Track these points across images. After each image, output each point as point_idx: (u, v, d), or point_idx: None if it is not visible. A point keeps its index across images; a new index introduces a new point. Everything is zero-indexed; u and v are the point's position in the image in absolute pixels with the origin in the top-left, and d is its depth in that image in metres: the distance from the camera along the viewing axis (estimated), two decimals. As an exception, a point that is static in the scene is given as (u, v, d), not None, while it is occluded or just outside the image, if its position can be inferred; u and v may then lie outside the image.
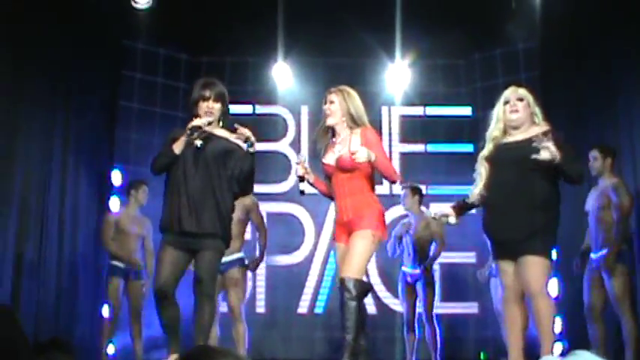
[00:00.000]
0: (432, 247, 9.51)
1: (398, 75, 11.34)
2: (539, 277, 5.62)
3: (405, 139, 11.54)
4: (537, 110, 6.00)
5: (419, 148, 11.34)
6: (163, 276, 6.09)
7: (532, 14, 10.34)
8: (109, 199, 10.09)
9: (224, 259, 8.34)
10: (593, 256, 8.38)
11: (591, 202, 8.44)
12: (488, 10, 10.60)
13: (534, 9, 10.29)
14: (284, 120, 11.61)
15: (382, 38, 10.90)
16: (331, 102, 6.38)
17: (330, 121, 6.39)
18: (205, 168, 6.18)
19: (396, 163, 11.37)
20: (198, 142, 6.18)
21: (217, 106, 6.32)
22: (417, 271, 9.43)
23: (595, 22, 9.70)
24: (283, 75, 11.37)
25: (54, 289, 9.65)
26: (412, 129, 11.49)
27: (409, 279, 9.49)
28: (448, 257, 10.44)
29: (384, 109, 11.64)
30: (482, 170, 6.00)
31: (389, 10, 10.26)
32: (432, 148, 11.41)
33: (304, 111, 11.50)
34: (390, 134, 11.58)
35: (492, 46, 11.31)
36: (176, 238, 6.13)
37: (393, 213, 10.70)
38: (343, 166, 6.21)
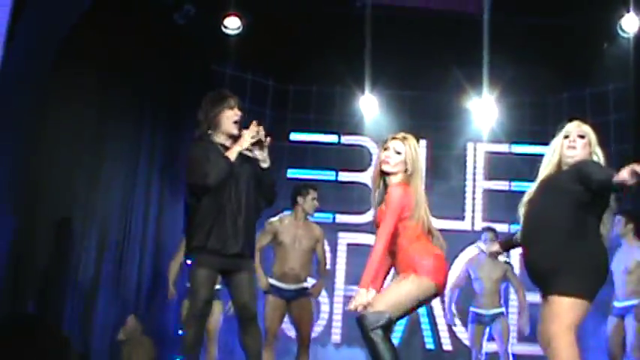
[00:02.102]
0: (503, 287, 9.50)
1: (484, 111, 11.24)
2: (556, 318, 5.14)
3: (489, 176, 11.43)
4: (598, 151, 5.57)
5: (503, 185, 11.21)
6: (207, 297, 6.05)
7: (625, 54, 10.20)
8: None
9: (292, 287, 8.39)
10: (617, 304, 8.71)
11: (616, 263, 8.61)
12: (579, 49, 10.50)
13: (627, 49, 10.15)
14: (368, 151, 11.56)
15: (469, 73, 10.83)
16: (397, 152, 5.77)
17: (386, 169, 5.78)
18: (242, 187, 6.05)
19: (479, 200, 11.31)
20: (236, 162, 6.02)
21: (241, 114, 6.13)
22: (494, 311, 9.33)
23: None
24: (369, 106, 11.36)
25: (132, 309, 9.73)
26: (497, 166, 11.38)
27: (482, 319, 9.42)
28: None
29: (470, 145, 11.55)
30: (520, 212, 5.74)
31: (477, 45, 10.21)
32: (516, 186, 11.28)
33: (389, 143, 11.43)
34: (474, 170, 11.48)
35: (582, 85, 11.14)
36: (213, 258, 5.99)
37: (472, 250, 10.61)
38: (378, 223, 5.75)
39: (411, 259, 5.51)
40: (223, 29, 10.50)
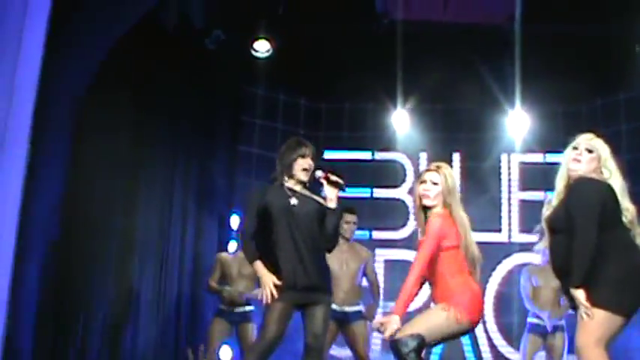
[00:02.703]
0: None
1: (517, 121, 11.23)
2: (583, 330, 5.09)
3: (524, 186, 11.38)
4: (610, 165, 5.41)
5: (538, 195, 11.15)
6: (276, 331, 6.14)
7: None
8: (227, 243, 10.16)
9: (345, 310, 8.44)
10: None
11: None
12: (611, 55, 10.48)
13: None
14: (402, 166, 11.57)
15: (502, 84, 10.83)
16: (434, 183, 5.81)
17: (428, 203, 5.81)
18: (306, 226, 6.22)
19: (515, 211, 11.27)
20: (295, 201, 6.24)
21: (312, 164, 6.37)
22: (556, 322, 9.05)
23: None
24: (402, 122, 11.39)
25: (173, 334, 9.80)
26: (532, 176, 11.33)
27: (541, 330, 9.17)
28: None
29: (504, 156, 11.51)
30: (543, 226, 5.69)
31: (508, 56, 10.22)
32: (552, 196, 11.22)
33: (423, 157, 11.45)
34: (509, 181, 11.46)
35: (615, 91, 11.12)
36: (289, 294, 6.14)
37: (511, 262, 10.63)
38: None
39: (451, 293, 5.56)
40: (253, 52, 10.59)
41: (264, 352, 6.05)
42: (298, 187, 6.34)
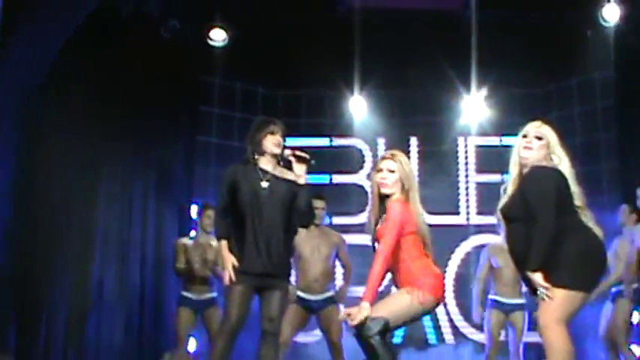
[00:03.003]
0: None
1: (473, 105, 11.35)
2: (545, 310, 5.27)
3: (481, 169, 11.50)
4: (559, 152, 5.55)
5: (495, 178, 11.23)
6: (238, 314, 6.20)
7: (607, 43, 10.33)
8: (188, 232, 10.18)
9: (317, 298, 8.50)
10: (613, 289, 8.95)
11: (614, 250, 8.83)
12: (564, 40, 10.62)
13: (609, 37, 10.28)
14: (360, 152, 11.64)
15: (458, 69, 10.92)
16: (391, 171, 5.83)
17: (387, 191, 5.82)
18: (274, 210, 6.30)
19: (472, 194, 11.39)
20: (265, 184, 6.32)
21: (282, 141, 6.47)
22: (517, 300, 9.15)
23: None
24: (359, 108, 11.47)
25: (137, 324, 9.83)
26: (488, 159, 11.43)
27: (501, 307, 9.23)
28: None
29: (460, 140, 11.63)
30: (499, 213, 5.79)
31: (464, 42, 10.31)
32: (508, 178, 11.33)
33: (380, 143, 11.54)
34: (466, 164, 11.57)
35: (568, 76, 11.25)
36: (246, 278, 6.21)
37: (470, 243, 10.85)
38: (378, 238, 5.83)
39: (414, 277, 5.62)
40: (209, 41, 10.60)
41: (230, 335, 6.12)
42: (270, 167, 6.41)
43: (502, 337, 9.28)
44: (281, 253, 6.31)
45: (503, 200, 5.70)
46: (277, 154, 6.43)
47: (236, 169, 6.40)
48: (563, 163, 5.51)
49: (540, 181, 5.38)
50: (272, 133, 6.42)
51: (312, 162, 6.46)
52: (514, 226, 5.53)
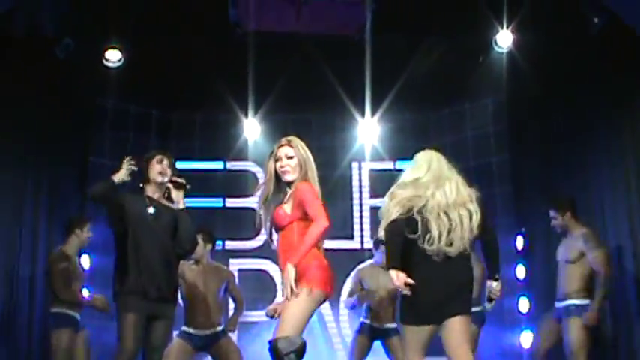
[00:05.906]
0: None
1: (368, 130, 11.43)
2: None
3: (375, 194, 11.53)
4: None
5: (389, 203, 11.33)
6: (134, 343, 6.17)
7: (500, 68, 10.49)
8: (80, 255, 9.98)
9: (207, 333, 8.44)
10: (557, 304, 8.51)
11: (560, 254, 8.64)
12: (458, 65, 10.77)
13: (501, 63, 10.44)
14: (254, 175, 11.58)
15: (352, 94, 10.97)
16: (289, 157, 5.90)
17: (290, 178, 5.89)
18: (159, 237, 6.45)
19: (366, 217, 11.44)
20: (151, 210, 6.49)
21: (168, 170, 6.69)
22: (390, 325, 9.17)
23: (559, 78, 9.94)
24: (254, 131, 11.47)
25: (25, 350, 9.61)
26: (382, 184, 11.48)
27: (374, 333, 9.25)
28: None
29: (354, 165, 11.71)
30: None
31: (359, 66, 10.36)
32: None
33: (274, 167, 11.48)
34: (360, 189, 11.62)
35: (461, 100, 11.44)
36: (138, 303, 6.27)
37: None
38: (278, 223, 5.87)
39: (307, 267, 5.57)
40: (105, 62, 10.45)
41: None
42: (156, 196, 6.60)
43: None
44: (171, 278, 6.34)
45: None
46: (163, 183, 6.61)
47: (124, 196, 6.55)
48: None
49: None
50: (159, 162, 6.64)
51: (188, 187, 6.69)
52: None
